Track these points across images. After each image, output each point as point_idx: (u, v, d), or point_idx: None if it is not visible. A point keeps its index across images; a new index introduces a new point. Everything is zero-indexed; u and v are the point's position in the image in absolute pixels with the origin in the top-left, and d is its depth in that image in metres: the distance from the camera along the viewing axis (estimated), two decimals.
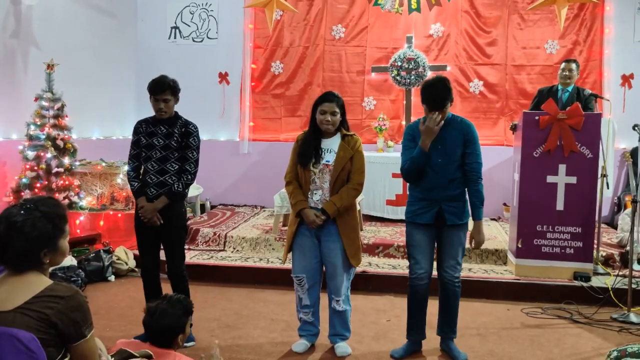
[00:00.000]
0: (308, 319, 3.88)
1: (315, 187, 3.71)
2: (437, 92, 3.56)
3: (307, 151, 3.71)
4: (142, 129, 3.94)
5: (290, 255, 3.89)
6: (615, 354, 1.96)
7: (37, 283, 1.95)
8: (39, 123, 6.06)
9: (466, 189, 3.69)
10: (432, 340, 3.92)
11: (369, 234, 6.28)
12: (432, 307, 3.88)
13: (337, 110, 3.70)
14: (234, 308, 4.72)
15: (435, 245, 3.77)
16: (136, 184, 3.92)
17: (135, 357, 2.45)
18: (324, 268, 3.84)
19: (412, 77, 7.46)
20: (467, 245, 3.77)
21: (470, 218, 3.74)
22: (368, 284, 5.23)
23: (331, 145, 3.74)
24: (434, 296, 3.83)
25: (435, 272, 3.80)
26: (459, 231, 3.69)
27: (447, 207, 3.63)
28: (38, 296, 1.91)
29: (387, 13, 7.58)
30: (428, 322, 3.87)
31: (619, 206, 7.31)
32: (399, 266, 5.51)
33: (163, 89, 3.81)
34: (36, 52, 6.52)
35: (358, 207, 6.10)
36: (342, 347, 3.81)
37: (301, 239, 3.77)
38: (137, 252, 5.64)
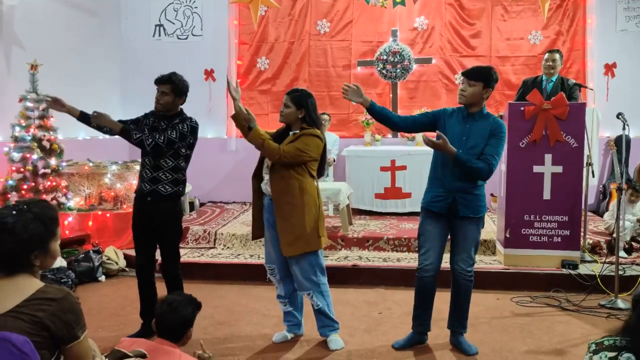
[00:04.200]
0: (286, 309, 3.93)
1: (266, 172, 3.73)
2: (476, 67, 3.73)
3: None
4: (149, 120, 3.94)
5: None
6: (593, 347, 2.00)
7: (28, 286, 1.93)
8: (24, 124, 6.00)
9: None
10: (441, 335, 3.91)
11: (359, 227, 6.31)
12: (442, 301, 3.89)
13: (290, 103, 3.67)
14: (226, 305, 4.72)
15: (449, 237, 3.77)
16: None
17: (130, 356, 2.45)
18: None
19: (398, 70, 7.48)
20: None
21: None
22: (359, 277, 5.26)
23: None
24: (445, 288, 3.83)
25: (446, 265, 3.78)
26: (473, 225, 3.67)
27: (461, 198, 3.61)
28: (29, 299, 1.90)
29: (372, 7, 7.59)
30: (435, 316, 3.87)
31: (604, 194, 7.40)
32: (389, 259, 5.54)
33: (162, 81, 3.83)
34: (19, 52, 6.46)
35: (347, 202, 6.13)
36: (335, 341, 3.82)
37: (266, 230, 3.83)
38: (127, 251, 5.67)
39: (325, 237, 3.82)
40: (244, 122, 3.58)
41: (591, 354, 1.93)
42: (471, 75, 3.59)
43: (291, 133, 3.74)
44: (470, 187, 3.63)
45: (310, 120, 3.71)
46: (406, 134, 7.75)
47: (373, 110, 3.73)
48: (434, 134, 3.56)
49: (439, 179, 3.66)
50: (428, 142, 3.48)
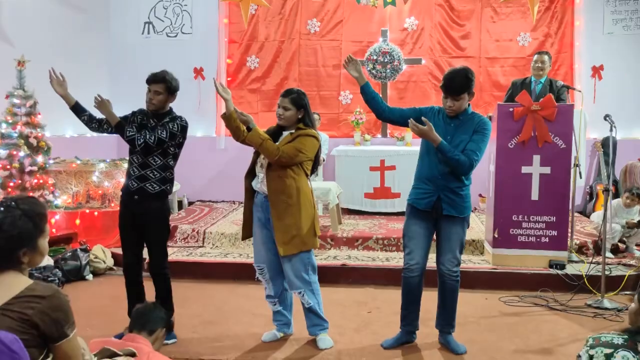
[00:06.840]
0: (275, 308, 3.92)
1: (259, 171, 3.72)
2: (454, 79, 3.54)
3: None
4: (137, 118, 3.92)
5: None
6: (591, 341, 2.00)
7: (17, 283, 1.92)
8: (10, 121, 5.93)
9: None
10: (431, 334, 3.92)
11: (348, 227, 6.32)
12: (430, 301, 3.89)
13: (289, 105, 3.65)
14: (215, 304, 4.70)
15: (434, 237, 3.77)
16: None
17: (119, 355, 2.43)
18: None
19: (388, 70, 7.51)
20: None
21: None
22: (348, 276, 5.27)
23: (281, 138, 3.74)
24: (434, 288, 3.83)
25: (434, 265, 3.78)
26: (457, 226, 3.68)
27: (445, 197, 3.62)
28: (18, 297, 1.88)
29: (362, 7, 7.61)
30: (424, 315, 3.87)
31: (591, 195, 7.47)
32: (378, 258, 5.55)
33: (156, 80, 3.80)
34: (6, 48, 6.37)
35: (336, 201, 6.14)
36: (324, 340, 3.82)
37: (256, 229, 3.80)
38: (115, 250, 5.63)
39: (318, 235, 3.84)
40: (237, 123, 3.56)
41: (588, 348, 1.94)
42: (455, 91, 3.53)
43: (286, 133, 3.73)
44: (456, 187, 3.64)
45: (308, 121, 3.71)
46: (395, 134, 7.78)
47: (366, 91, 3.71)
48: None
49: (425, 176, 3.67)
50: (413, 127, 3.48)
